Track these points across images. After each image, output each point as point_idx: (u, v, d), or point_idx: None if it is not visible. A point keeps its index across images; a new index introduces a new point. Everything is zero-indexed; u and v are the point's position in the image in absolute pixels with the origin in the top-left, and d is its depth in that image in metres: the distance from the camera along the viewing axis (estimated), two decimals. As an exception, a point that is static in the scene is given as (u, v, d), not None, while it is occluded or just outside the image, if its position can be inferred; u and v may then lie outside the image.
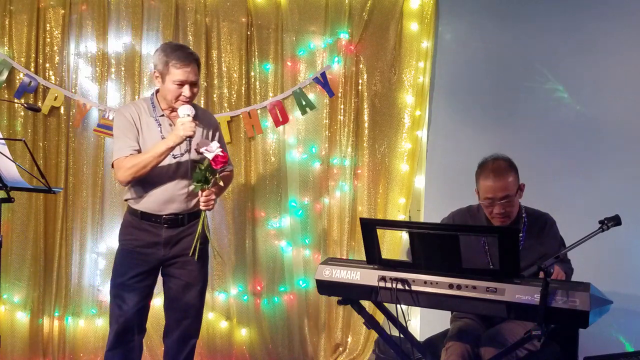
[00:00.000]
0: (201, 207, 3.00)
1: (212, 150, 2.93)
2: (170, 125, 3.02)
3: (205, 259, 3.18)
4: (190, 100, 2.98)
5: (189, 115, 2.90)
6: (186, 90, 2.95)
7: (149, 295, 3.10)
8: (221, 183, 3.04)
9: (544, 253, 2.80)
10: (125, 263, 3.06)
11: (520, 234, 2.89)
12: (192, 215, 3.07)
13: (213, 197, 3.00)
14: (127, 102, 3.87)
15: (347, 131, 4.27)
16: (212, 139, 3.11)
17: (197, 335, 3.18)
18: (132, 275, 3.02)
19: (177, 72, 2.92)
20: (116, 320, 3.04)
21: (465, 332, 2.81)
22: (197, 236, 3.01)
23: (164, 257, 3.05)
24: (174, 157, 3.00)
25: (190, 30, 4.07)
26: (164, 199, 3.01)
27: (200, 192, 2.97)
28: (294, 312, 4.25)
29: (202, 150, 2.95)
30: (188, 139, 2.91)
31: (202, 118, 3.11)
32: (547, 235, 2.89)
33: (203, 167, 2.94)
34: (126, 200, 3.11)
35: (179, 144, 2.91)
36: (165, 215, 3.02)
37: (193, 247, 3.00)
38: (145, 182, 3.00)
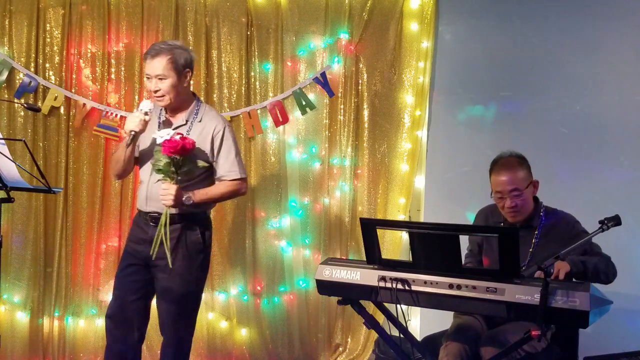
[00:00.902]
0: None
1: (163, 135, 2.85)
2: (169, 134, 2.96)
3: (187, 266, 2.99)
4: (160, 95, 2.92)
5: (142, 110, 2.88)
6: (151, 84, 2.93)
7: (137, 292, 3.02)
8: (175, 177, 2.88)
9: (558, 251, 2.79)
10: (123, 256, 3.14)
11: (536, 232, 2.89)
12: (179, 216, 2.96)
13: (172, 191, 2.84)
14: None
15: (347, 131, 4.27)
16: (210, 145, 3.01)
17: (174, 345, 3.04)
18: (122, 268, 3.07)
19: (145, 66, 2.95)
20: (105, 312, 3.09)
21: (463, 331, 2.81)
22: (157, 235, 2.90)
23: (149, 256, 2.98)
24: None
25: (190, 30, 4.07)
26: (145, 196, 3.01)
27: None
28: (294, 312, 4.25)
29: (154, 135, 2.89)
30: (133, 133, 2.86)
31: (204, 122, 3.03)
32: (566, 236, 2.82)
33: (158, 156, 2.89)
34: None
35: (129, 138, 2.88)
36: (149, 213, 3.00)
37: (152, 248, 2.90)
38: (140, 178, 3.09)
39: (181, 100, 3.01)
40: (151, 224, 2.99)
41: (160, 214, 2.94)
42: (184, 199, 2.89)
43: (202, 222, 3.06)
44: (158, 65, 2.90)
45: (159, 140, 2.86)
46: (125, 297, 3.02)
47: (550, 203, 3.02)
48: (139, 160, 3.09)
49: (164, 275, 2.98)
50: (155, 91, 2.93)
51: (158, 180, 2.93)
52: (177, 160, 2.84)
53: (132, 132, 2.87)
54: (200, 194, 2.97)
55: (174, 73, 2.93)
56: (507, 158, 2.94)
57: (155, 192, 2.94)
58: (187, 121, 3.02)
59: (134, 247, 3.05)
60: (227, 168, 3.03)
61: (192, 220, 3.00)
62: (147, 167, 3.02)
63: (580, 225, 2.90)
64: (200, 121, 3.03)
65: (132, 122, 2.88)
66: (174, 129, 2.97)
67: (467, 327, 2.84)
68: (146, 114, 2.88)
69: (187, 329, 3.09)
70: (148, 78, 2.95)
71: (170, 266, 2.91)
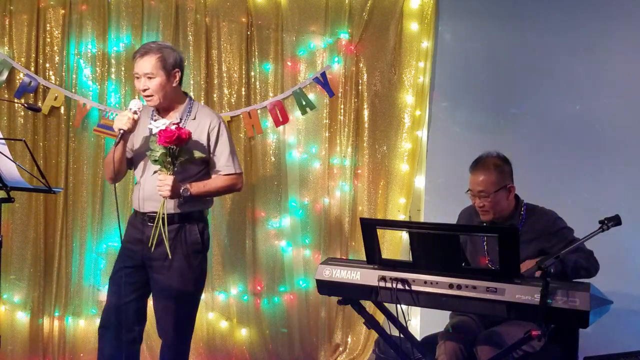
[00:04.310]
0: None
1: (159, 125, 2.84)
2: (164, 124, 2.95)
3: (185, 266, 2.98)
4: (149, 95, 2.93)
5: (131, 109, 2.87)
6: (139, 83, 2.93)
7: (133, 293, 3.01)
8: (171, 167, 2.87)
9: (540, 248, 2.83)
10: (118, 257, 3.11)
11: None
12: (179, 216, 2.97)
13: (168, 182, 2.84)
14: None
15: (347, 131, 4.27)
16: (207, 140, 3.01)
17: (173, 347, 3.04)
18: (116, 269, 3.05)
19: (134, 65, 2.95)
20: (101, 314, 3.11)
21: (458, 331, 2.82)
22: (155, 225, 2.89)
23: (146, 256, 2.98)
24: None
25: (190, 30, 4.07)
26: (143, 196, 2.99)
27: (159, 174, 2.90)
28: (294, 312, 4.25)
29: (149, 125, 2.89)
30: (122, 132, 2.84)
31: (198, 119, 3.04)
32: (547, 232, 2.88)
33: (154, 147, 2.87)
34: None
35: (119, 136, 2.86)
36: (147, 213, 2.99)
37: (151, 237, 2.90)
38: (135, 178, 3.06)
39: (170, 100, 3.01)
40: (149, 224, 2.98)
41: (157, 213, 2.93)
42: (181, 190, 2.90)
43: (200, 221, 3.06)
44: (147, 64, 2.91)
45: (154, 131, 2.85)
46: (120, 299, 2.99)
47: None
48: (134, 161, 3.08)
49: (160, 275, 2.98)
50: (144, 90, 2.93)
51: (155, 173, 2.91)
52: (173, 150, 2.84)
53: (121, 131, 2.85)
54: (198, 186, 2.98)
55: (162, 72, 2.93)
56: (487, 159, 2.97)
57: (152, 191, 2.94)
58: (180, 119, 3.01)
59: (131, 247, 3.03)
60: (223, 163, 3.04)
61: (190, 219, 3.00)
62: (142, 167, 3.02)
63: (562, 221, 2.93)
64: (194, 119, 3.04)
65: (121, 120, 2.85)
66: None
67: (463, 327, 2.85)
68: (135, 112, 2.87)
69: (187, 330, 3.09)
70: (137, 77, 2.95)
71: (170, 257, 2.91)
